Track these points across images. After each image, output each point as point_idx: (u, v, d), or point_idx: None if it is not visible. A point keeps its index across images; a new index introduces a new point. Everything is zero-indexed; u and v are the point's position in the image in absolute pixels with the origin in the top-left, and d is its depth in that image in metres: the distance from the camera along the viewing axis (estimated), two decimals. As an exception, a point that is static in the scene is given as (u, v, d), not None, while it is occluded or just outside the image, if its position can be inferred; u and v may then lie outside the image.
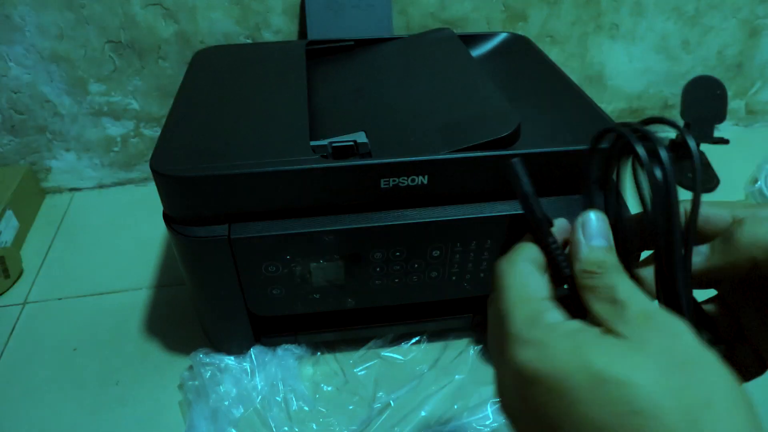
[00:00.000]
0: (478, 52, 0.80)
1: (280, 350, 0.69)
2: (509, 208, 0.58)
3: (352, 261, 0.58)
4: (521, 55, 0.78)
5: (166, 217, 0.57)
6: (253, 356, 0.67)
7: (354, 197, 0.55)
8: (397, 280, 0.61)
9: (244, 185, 0.53)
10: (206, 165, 0.53)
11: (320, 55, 0.79)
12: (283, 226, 0.55)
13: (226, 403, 0.64)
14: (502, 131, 0.56)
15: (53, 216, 0.97)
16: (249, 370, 0.67)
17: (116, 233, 0.93)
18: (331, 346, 0.72)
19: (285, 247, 0.56)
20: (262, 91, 0.66)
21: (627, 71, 1.10)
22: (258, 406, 0.65)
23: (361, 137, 0.58)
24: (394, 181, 0.54)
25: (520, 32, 0.87)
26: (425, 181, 0.55)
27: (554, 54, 1.04)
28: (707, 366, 0.26)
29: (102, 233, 0.93)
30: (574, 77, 1.06)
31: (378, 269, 0.60)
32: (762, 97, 1.21)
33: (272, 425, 0.63)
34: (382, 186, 0.54)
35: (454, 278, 0.62)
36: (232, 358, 0.67)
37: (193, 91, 0.67)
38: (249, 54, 0.76)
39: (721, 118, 1.05)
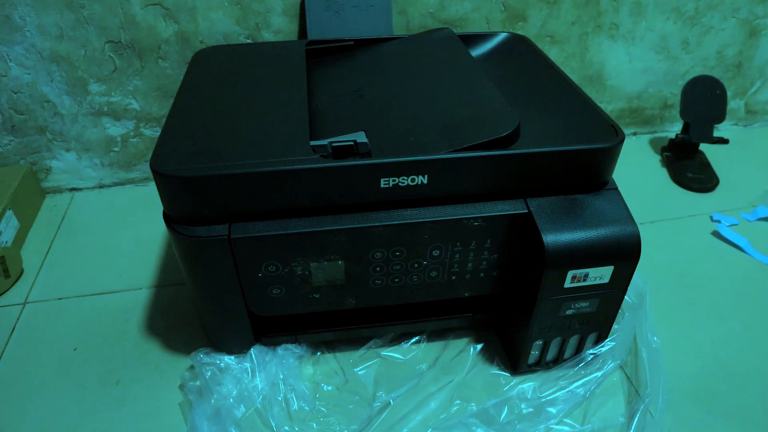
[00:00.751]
0: (478, 52, 0.80)
1: (280, 350, 0.69)
2: (509, 208, 0.58)
3: (352, 261, 0.58)
4: (521, 55, 0.78)
5: (166, 217, 0.57)
6: (253, 356, 0.67)
7: (354, 197, 0.55)
8: (397, 280, 0.61)
9: (244, 185, 0.53)
10: (206, 165, 0.53)
11: (320, 55, 0.79)
12: (283, 226, 0.55)
13: (228, 402, 0.64)
14: (502, 131, 0.56)
15: (53, 216, 0.97)
16: (249, 370, 0.67)
17: (116, 233, 0.93)
18: (331, 346, 0.72)
19: (285, 247, 0.56)
20: (262, 91, 0.66)
21: (627, 71, 1.10)
22: (259, 405, 0.65)
23: (361, 137, 0.58)
24: (394, 180, 0.54)
25: (519, 32, 0.87)
26: (425, 181, 0.55)
27: (554, 54, 1.04)
28: None
29: (102, 233, 0.93)
30: (574, 77, 1.06)
31: (378, 269, 0.60)
32: (761, 97, 1.21)
33: (273, 425, 0.63)
34: (382, 186, 0.54)
35: (454, 278, 0.62)
36: (232, 357, 0.67)
37: (193, 91, 0.67)
38: (249, 54, 0.76)
39: (720, 117, 1.05)
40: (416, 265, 0.60)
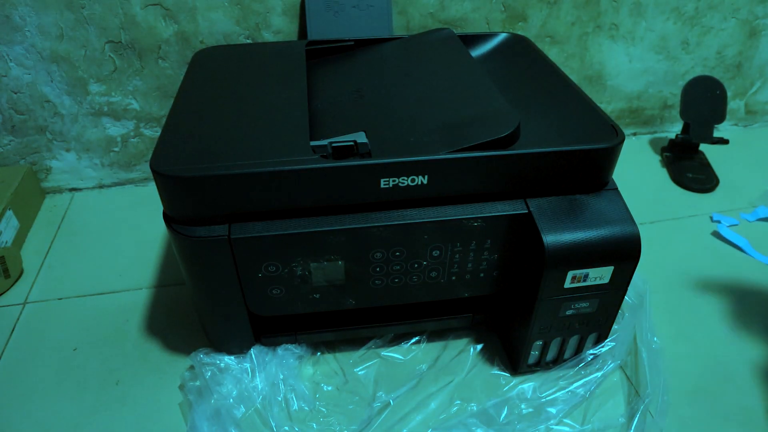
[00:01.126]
0: (478, 52, 0.80)
1: (280, 350, 0.69)
2: (509, 208, 0.58)
3: (352, 261, 0.58)
4: (521, 55, 0.78)
5: (166, 217, 0.57)
6: (253, 356, 0.67)
7: (354, 197, 0.55)
8: (397, 280, 0.61)
9: (244, 185, 0.53)
10: (206, 165, 0.53)
11: (320, 55, 0.79)
12: (283, 226, 0.55)
13: (228, 403, 0.64)
14: (502, 131, 0.56)
15: (53, 216, 0.97)
16: (249, 370, 0.67)
17: (116, 233, 0.93)
18: (331, 346, 0.72)
19: (285, 247, 0.56)
20: (262, 91, 0.66)
21: (626, 71, 1.10)
22: (259, 405, 0.65)
23: (361, 137, 0.58)
24: (394, 181, 0.54)
25: (519, 32, 0.87)
26: (425, 181, 0.55)
27: (554, 54, 1.04)
28: None
29: (102, 233, 0.93)
30: (574, 77, 1.06)
31: (378, 269, 0.60)
32: (761, 97, 1.21)
33: (273, 425, 0.63)
34: (382, 186, 0.54)
35: (453, 278, 0.62)
36: (232, 358, 0.67)
37: (193, 91, 0.67)
38: (249, 54, 0.76)
39: (720, 118, 1.05)
40: (416, 266, 0.60)
